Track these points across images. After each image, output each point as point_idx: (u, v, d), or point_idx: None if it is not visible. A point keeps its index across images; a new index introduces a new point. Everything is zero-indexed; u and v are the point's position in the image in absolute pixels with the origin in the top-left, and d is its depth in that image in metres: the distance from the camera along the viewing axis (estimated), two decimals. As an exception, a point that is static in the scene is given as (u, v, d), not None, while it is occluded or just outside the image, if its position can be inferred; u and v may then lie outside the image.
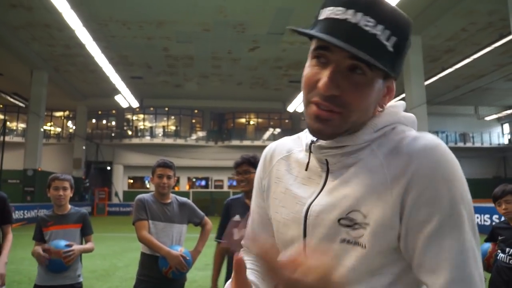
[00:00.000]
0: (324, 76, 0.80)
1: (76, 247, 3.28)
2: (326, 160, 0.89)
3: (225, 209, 3.34)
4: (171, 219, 3.42)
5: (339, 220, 0.82)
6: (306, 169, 0.93)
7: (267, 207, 1.03)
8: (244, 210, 3.09)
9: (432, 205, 0.76)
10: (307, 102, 0.85)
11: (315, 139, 0.90)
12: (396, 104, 0.93)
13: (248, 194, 3.13)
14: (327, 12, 0.82)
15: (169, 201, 3.48)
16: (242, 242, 1.08)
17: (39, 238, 3.35)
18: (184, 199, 3.62)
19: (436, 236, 0.75)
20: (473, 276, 0.74)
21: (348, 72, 0.80)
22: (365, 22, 0.78)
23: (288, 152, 1.01)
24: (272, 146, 1.08)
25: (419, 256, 0.77)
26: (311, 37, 0.84)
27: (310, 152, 0.92)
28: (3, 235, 3.42)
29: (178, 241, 3.43)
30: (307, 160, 0.94)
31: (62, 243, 3.25)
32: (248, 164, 3.15)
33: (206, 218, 3.62)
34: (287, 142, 1.05)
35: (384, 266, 0.81)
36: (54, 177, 3.42)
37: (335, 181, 0.86)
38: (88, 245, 3.45)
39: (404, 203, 0.77)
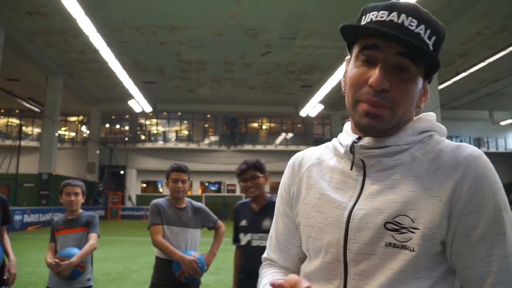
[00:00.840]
0: (375, 73, 0.85)
1: (74, 258, 3.24)
2: (363, 163, 0.91)
3: (234, 214, 3.37)
4: (186, 224, 3.43)
5: (385, 224, 0.84)
6: (351, 168, 0.94)
7: (295, 214, 1.04)
8: (250, 214, 3.12)
9: (479, 212, 0.80)
10: (355, 101, 0.89)
11: (355, 139, 0.93)
12: (431, 113, 0.98)
13: (256, 199, 3.14)
14: (371, 17, 0.88)
15: (184, 205, 3.50)
16: (267, 254, 1.12)
17: (53, 240, 3.44)
18: (199, 203, 3.63)
19: (483, 242, 0.80)
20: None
21: (395, 69, 0.86)
22: (409, 22, 0.85)
23: (318, 160, 1.04)
24: (299, 154, 1.10)
25: (465, 260, 0.82)
26: (353, 41, 0.92)
27: (352, 153, 0.93)
28: (1, 236, 3.46)
29: (193, 245, 3.44)
30: (340, 165, 0.97)
31: (71, 251, 3.27)
32: (254, 169, 3.13)
33: (219, 221, 3.63)
34: (315, 151, 1.08)
35: (427, 270, 0.84)
36: (66, 183, 3.49)
37: (376, 185, 0.89)
38: (88, 244, 3.37)
39: (452, 209, 0.82)
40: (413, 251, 0.82)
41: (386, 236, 0.84)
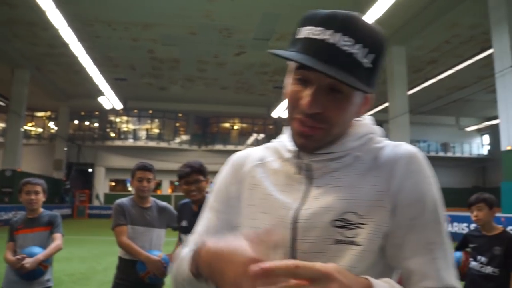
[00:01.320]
0: (307, 95, 0.85)
1: (40, 254, 3.19)
2: (309, 166, 0.93)
3: (177, 214, 3.39)
4: (151, 223, 3.40)
5: (333, 221, 0.86)
6: (297, 173, 0.94)
7: (233, 214, 1.01)
8: (190, 215, 3.10)
9: (420, 203, 0.86)
10: (291, 118, 0.91)
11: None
12: (369, 117, 1.01)
13: (197, 201, 3.12)
14: (306, 32, 0.86)
15: (149, 205, 3.47)
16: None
17: (11, 240, 3.37)
18: (164, 203, 3.61)
19: (424, 230, 0.85)
20: (451, 258, 0.86)
21: (328, 90, 0.85)
22: (343, 42, 0.82)
23: (262, 161, 1.02)
24: (241, 154, 1.08)
25: (408, 249, 0.85)
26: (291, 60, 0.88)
27: (299, 158, 0.94)
28: None
29: (158, 245, 3.42)
30: (284, 168, 0.97)
31: (35, 250, 3.21)
32: (198, 173, 3.12)
33: None
34: (256, 151, 1.07)
35: (374, 265, 0.86)
36: (25, 181, 3.43)
37: (323, 186, 0.91)
38: (53, 244, 3.34)
39: (396, 201, 0.86)
40: (361, 245, 0.84)
41: (335, 233, 0.85)
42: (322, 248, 0.86)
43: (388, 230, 0.85)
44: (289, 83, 0.91)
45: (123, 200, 3.48)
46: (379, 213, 0.85)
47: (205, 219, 1.05)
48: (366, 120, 0.99)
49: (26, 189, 3.38)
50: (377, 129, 0.98)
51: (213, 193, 1.07)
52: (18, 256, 3.10)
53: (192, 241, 1.01)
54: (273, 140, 1.06)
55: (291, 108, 0.89)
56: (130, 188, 31.85)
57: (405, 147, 0.91)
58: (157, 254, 3.24)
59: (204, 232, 1.02)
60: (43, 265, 3.21)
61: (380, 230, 0.85)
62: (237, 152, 1.10)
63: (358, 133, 0.94)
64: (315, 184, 0.92)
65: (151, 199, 3.54)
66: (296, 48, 0.86)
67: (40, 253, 3.17)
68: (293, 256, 0.88)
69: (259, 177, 0.99)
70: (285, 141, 1.00)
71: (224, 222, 1.01)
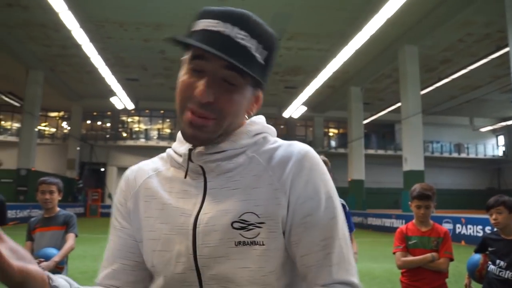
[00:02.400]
0: (201, 85, 0.84)
1: (55, 257, 3.20)
2: (203, 169, 0.91)
3: None
4: None
5: (232, 223, 0.85)
6: (185, 177, 0.93)
7: (134, 230, 0.97)
8: None
9: (312, 200, 0.86)
10: (182, 109, 0.88)
11: (191, 147, 0.93)
12: (260, 116, 1.02)
13: None
14: (202, 24, 0.86)
15: None
16: (99, 281, 1.01)
17: (29, 239, 3.42)
18: None
19: (317, 227, 0.85)
20: (347, 252, 0.87)
21: (222, 81, 0.86)
22: (239, 34, 0.84)
23: (155, 171, 1.00)
24: (134, 168, 1.04)
25: (303, 247, 0.86)
26: (187, 45, 0.88)
27: (189, 160, 0.92)
28: None
29: None
30: (178, 175, 0.95)
31: (50, 251, 3.23)
32: None
33: None
34: (150, 163, 1.04)
35: (283, 264, 0.87)
36: (41, 181, 3.44)
37: (218, 188, 0.90)
38: (66, 245, 3.35)
39: (290, 199, 0.86)
40: (263, 245, 0.84)
41: (235, 235, 0.85)
42: (225, 252, 0.85)
43: (286, 227, 0.86)
44: (182, 74, 0.90)
45: None
46: (276, 211, 0.85)
47: (110, 243, 1.00)
48: (259, 119, 1.00)
49: (41, 189, 3.41)
50: (269, 128, 1.00)
51: (113, 212, 1.02)
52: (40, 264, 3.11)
53: (102, 266, 1.00)
54: (168, 150, 1.03)
55: (183, 98, 0.87)
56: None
57: (298, 146, 0.92)
58: None
59: (111, 258, 0.98)
60: (59, 267, 3.24)
61: (279, 227, 0.85)
62: (130, 167, 1.06)
63: (250, 131, 0.94)
64: (210, 186, 0.90)
65: None
66: (192, 39, 0.85)
67: (56, 255, 3.20)
68: (195, 263, 0.86)
69: (153, 188, 0.96)
70: (175, 147, 0.99)
71: (128, 239, 0.97)
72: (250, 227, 0.84)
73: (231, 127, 0.91)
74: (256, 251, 0.84)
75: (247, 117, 0.98)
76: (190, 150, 0.92)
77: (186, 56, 0.90)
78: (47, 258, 3.15)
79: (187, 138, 0.90)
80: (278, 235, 0.85)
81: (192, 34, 0.87)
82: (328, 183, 0.90)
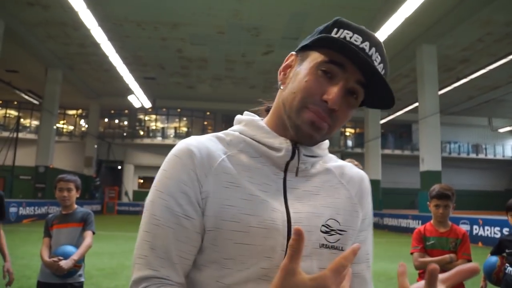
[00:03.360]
0: (335, 92, 0.85)
1: (74, 256, 3.22)
2: (295, 167, 0.93)
3: None
4: None
5: (321, 226, 0.90)
6: (285, 172, 0.92)
7: (205, 217, 0.86)
8: None
9: (369, 218, 1.01)
10: (301, 107, 0.88)
11: (293, 145, 0.93)
12: None
13: None
14: (346, 35, 0.89)
15: None
16: (148, 272, 0.84)
17: (47, 235, 3.40)
18: None
19: (367, 241, 0.99)
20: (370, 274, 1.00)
21: (348, 93, 0.89)
22: (376, 56, 0.88)
23: (225, 154, 0.92)
24: (195, 144, 0.91)
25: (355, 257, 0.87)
26: (320, 46, 0.90)
27: (293, 156, 0.92)
28: None
29: None
30: (256, 164, 0.92)
31: (68, 249, 3.25)
32: None
33: None
34: (209, 142, 0.94)
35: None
36: (59, 178, 3.45)
37: (300, 189, 0.92)
38: (85, 244, 3.35)
39: (363, 214, 0.98)
40: (342, 250, 0.90)
41: (321, 238, 0.89)
42: (310, 252, 0.87)
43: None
44: (305, 71, 0.90)
45: None
46: (356, 222, 0.96)
47: (162, 228, 0.85)
48: None
49: (59, 186, 3.40)
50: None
51: (167, 194, 0.87)
52: (54, 259, 3.13)
53: (149, 261, 0.84)
54: (228, 132, 1.00)
55: (307, 96, 0.87)
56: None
57: (358, 169, 1.04)
58: None
59: (162, 246, 0.84)
60: (77, 265, 3.25)
61: (355, 236, 0.96)
62: (189, 143, 0.92)
63: (325, 143, 1.01)
64: (290, 185, 0.91)
65: None
66: (334, 46, 0.87)
67: (74, 254, 3.21)
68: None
69: (233, 173, 0.89)
70: (259, 136, 0.95)
71: (192, 228, 0.86)
72: (333, 232, 0.91)
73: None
74: (335, 255, 0.83)
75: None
76: (295, 146, 0.92)
77: (314, 55, 0.91)
78: (66, 256, 3.17)
79: (301, 135, 0.90)
80: (353, 243, 0.92)
81: (331, 40, 0.87)
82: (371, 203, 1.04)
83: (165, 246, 0.84)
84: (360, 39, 0.87)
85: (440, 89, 18.26)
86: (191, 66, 22.12)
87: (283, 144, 0.92)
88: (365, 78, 0.87)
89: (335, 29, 0.90)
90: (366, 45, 0.87)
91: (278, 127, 0.95)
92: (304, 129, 0.88)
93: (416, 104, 19.07)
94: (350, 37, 0.88)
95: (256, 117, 1.04)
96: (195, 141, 0.92)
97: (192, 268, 0.88)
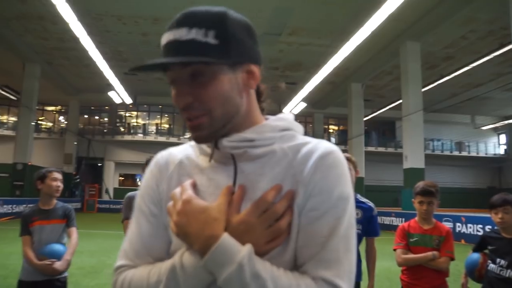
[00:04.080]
0: (174, 94, 0.92)
1: (67, 256, 3.29)
2: (232, 155, 0.95)
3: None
4: None
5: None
6: (210, 160, 0.98)
7: (165, 214, 0.98)
8: None
9: (322, 195, 0.89)
10: (184, 120, 0.94)
11: None
12: (289, 114, 1.05)
13: None
14: (162, 41, 0.93)
15: None
16: (123, 262, 0.99)
17: (27, 233, 3.31)
18: None
19: (320, 222, 0.88)
20: (343, 258, 0.87)
21: (191, 80, 0.90)
22: (180, 34, 0.89)
23: (186, 156, 1.04)
24: (163, 153, 1.09)
25: (304, 238, 0.88)
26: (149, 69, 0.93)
27: (216, 148, 0.96)
28: None
29: None
30: (208, 162, 0.99)
31: (56, 248, 3.26)
32: None
33: None
34: (179, 149, 1.09)
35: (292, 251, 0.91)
36: (50, 170, 3.48)
37: (247, 172, 0.93)
38: (73, 241, 3.44)
39: (306, 191, 0.89)
40: (288, 234, 0.89)
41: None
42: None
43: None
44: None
45: (134, 193, 3.53)
46: (297, 202, 0.89)
47: (134, 227, 1.02)
48: (287, 116, 1.03)
49: (52, 176, 3.40)
50: (298, 126, 1.03)
51: (140, 197, 1.04)
52: (47, 262, 3.15)
53: (126, 252, 0.99)
54: None
55: (180, 112, 0.93)
56: (139, 183, 32.07)
57: (324, 144, 0.95)
58: None
59: (137, 240, 0.99)
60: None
61: (296, 217, 0.89)
62: (160, 153, 1.10)
63: (276, 126, 0.97)
64: (240, 170, 0.94)
65: None
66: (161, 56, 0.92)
67: (67, 253, 3.27)
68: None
69: (185, 173, 1.01)
70: None
71: (158, 225, 1.00)
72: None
73: (231, 114, 0.94)
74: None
75: (257, 93, 1.05)
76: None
77: None
78: (55, 255, 3.19)
79: (195, 141, 0.97)
80: (296, 224, 0.90)
81: (143, 69, 0.92)
82: (345, 185, 0.91)
83: (139, 240, 0.99)
84: (169, 34, 0.91)
85: (423, 87, 18.45)
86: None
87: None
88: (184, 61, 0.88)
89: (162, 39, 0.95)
90: (173, 34, 0.90)
91: None
92: (192, 137, 0.95)
93: (400, 101, 19.20)
94: (163, 41, 0.92)
95: None
96: (165, 151, 1.09)
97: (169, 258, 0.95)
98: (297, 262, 0.89)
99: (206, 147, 1.00)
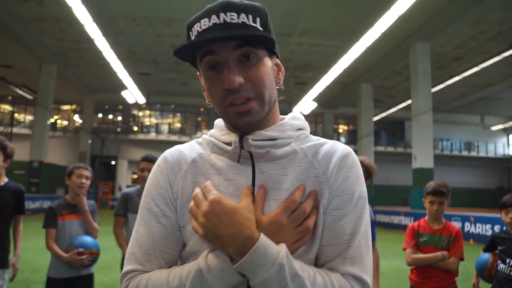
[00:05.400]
0: (225, 75, 0.89)
1: (95, 249, 3.37)
2: (251, 154, 0.96)
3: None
4: None
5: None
6: (238, 161, 0.97)
7: (179, 215, 0.97)
8: None
9: (345, 195, 0.93)
10: (224, 109, 0.93)
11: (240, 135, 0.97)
12: (300, 112, 1.08)
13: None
14: (196, 29, 0.92)
15: None
16: (133, 266, 0.95)
17: (53, 225, 3.29)
18: None
19: (342, 221, 0.92)
20: (365, 254, 0.92)
21: (240, 62, 0.90)
22: (230, 17, 0.88)
23: (198, 155, 1.01)
24: (172, 151, 1.04)
25: (327, 237, 0.92)
26: (194, 60, 0.97)
27: (242, 148, 0.96)
28: (16, 224, 3.47)
29: None
30: (224, 160, 0.98)
31: (86, 239, 3.30)
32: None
33: None
34: (187, 147, 1.05)
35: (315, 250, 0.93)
36: (77, 166, 3.43)
37: (266, 173, 0.94)
38: (96, 234, 3.52)
39: (330, 191, 0.93)
40: (313, 234, 0.92)
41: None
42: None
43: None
44: (205, 84, 0.96)
45: (130, 190, 3.67)
46: (322, 203, 0.92)
47: (144, 229, 0.96)
48: (300, 115, 1.06)
49: (78, 172, 3.37)
50: (308, 126, 1.06)
51: (149, 197, 0.99)
52: (83, 256, 3.20)
53: (136, 256, 0.95)
54: (203, 136, 1.08)
55: (219, 99, 0.92)
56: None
57: (341, 145, 0.99)
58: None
59: (148, 243, 0.95)
60: (96, 253, 3.37)
61: (321, 217, 0.92)
62: (168, 151, 1.05)
63: (294, 125, 1.00)
64: (259, 171, 0.95)
65: None
66: (194, 47, 0.91)
67: (95, 247, 3.32)
68: None
69: (201, 173, 0.98)
70: (217, 135, 1.03)
71: (170, 226, 0.96)
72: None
73: (272, 101, 0.95)
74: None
75: (281, 87, 1.01)
76: (240, 136, 0.96)
77: (200, 67, 0.96)
78: (87, 246, 3.24)
79: (241, 127, 0.96)
80: (321, 224, 0.92)
81: (192, 43, 0.90)
82: (362, 185, 0.96)
83: (150, 243, 0.94)
84: (207, 19, 0.89)
85: (433, 87, 18.32)
86: (185, 62, 22.03)
87: (232, 138, 0.97)
88: (240, 38, 0.88)
89: (190, 33, 0.94)
90: (214, 19, 0.88)
91: (228, 125, 1.02)
92: (238, 123, 0.94)
93: (409, 101, 19.13)
94: (200, 27, 0.90)
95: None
96: (173, 149, 1.05)
97: (180, 262, 0.97)
98: (320, 259, 0.92)
99: (223, 145, 0.99)
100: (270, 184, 0.93)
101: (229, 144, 0.98)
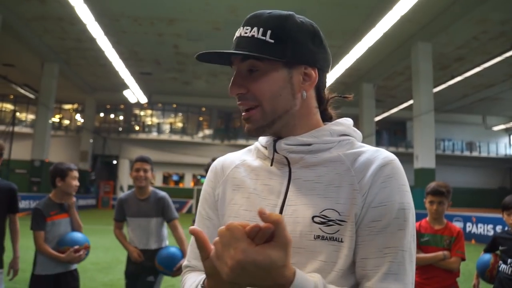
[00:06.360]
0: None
1: (87, 244, 3.45)
2: (287, 160, 0.97)
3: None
4: (147, 214, 3.65)
5: (313, 217, 0.90)
6: (271, 165, 1.00)
7: (220, 216, 1.05)
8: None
9: (384, 207, 0.88)
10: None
11: (275, 138, 1.01)
12: (348, 119, 1.07)
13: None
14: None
15: (146, 196, 3.70)
16: (188, 262, 1.06)
17: (42, 228, 3.27)
18: (162, 193, 3.80)
19: (382, 234, 0.87)
20: (408, 271, 0.87)
21: (247, 73, 0.96)
22: (245, 31, 0.96)
23: (241, 161, 1.08)
24: (220, 159, 1.14)
25: (365, 249, 0.88)
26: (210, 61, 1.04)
27: (275, 151, 0.99)
28: (12, 224, 3.48)
29: (159, 233, 3.72)
30: (264, 165, 1.02)
31: (77, 236, 3.34)
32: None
33: (176, 222, 3.76)
34: (236, 154, 1.13)
35: (352, 266, 0.90)
36: (71, 168, 3.44)
37: (302, 180, 0.95)
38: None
39: (365, 201, 0.89)
40: (342, 241, 0.88)
41: (315, 229, 0.89)
42: (303, 244, 0.89)
43: (356, 227, 0.89)
44: None
45: (125, 194, 3.78)
46: (356, 212, 0.88)
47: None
48: (346, 121, 1.05)
49: (73, 175, 3.37)
50: (355, 132, 1.04)
51: (200, 201, 1.11)
52: (80, 252, 3.26)
53: (188, 254, 1.07)
54: (256, 143, 1.11)
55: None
56: (153, 181, 32.26)
57: (383, 153, 0.94)
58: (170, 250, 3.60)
59: (195, 243, 0.96)
60: (87, 246, 3.40)
61: (353, 226, 0.89)
62: (216, 159, 1.15)
63: (334, 130, 0.99)
64: (295, 177, 0.96)
65: (150, 189, 3.75)
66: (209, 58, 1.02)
67: (86, 241, 3.36)
68: None
69: (240, 177, 1.04)
70: (261, 139, 1.08)
71: (212, 227, 1.05)
72: (331, 223, 0.88)
73: (279, 111, 0.96)
74: (332, 247, 0.88)
75: (303, 96, 0.99)
76: (274, 141, 1.00)
77: None
78: (79, 243, 3.33)
79: (247, 133, 1.00)
80: (354, 235, 0.88)
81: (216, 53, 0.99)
82: (404, 196, 0.90)
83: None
84: (241, 29, 0.98)
85: (434, 87, 18.30)
86: (187, 61, 22.10)
87: (268, 141, 1.02)
88: (243, 54, 0.94)
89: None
90: (238, 31, 0.98)
91: None
92: (245, 128, 1.00)
93: (411, 101, 19.12)
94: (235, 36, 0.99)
95: None
96: (222, 157, 1.15)
97: None
98: (358, 272, 0.88)
99: (264, 150, 1.03)
100: (302, 190, 0.94)
101: (265, 147, 1.03)
